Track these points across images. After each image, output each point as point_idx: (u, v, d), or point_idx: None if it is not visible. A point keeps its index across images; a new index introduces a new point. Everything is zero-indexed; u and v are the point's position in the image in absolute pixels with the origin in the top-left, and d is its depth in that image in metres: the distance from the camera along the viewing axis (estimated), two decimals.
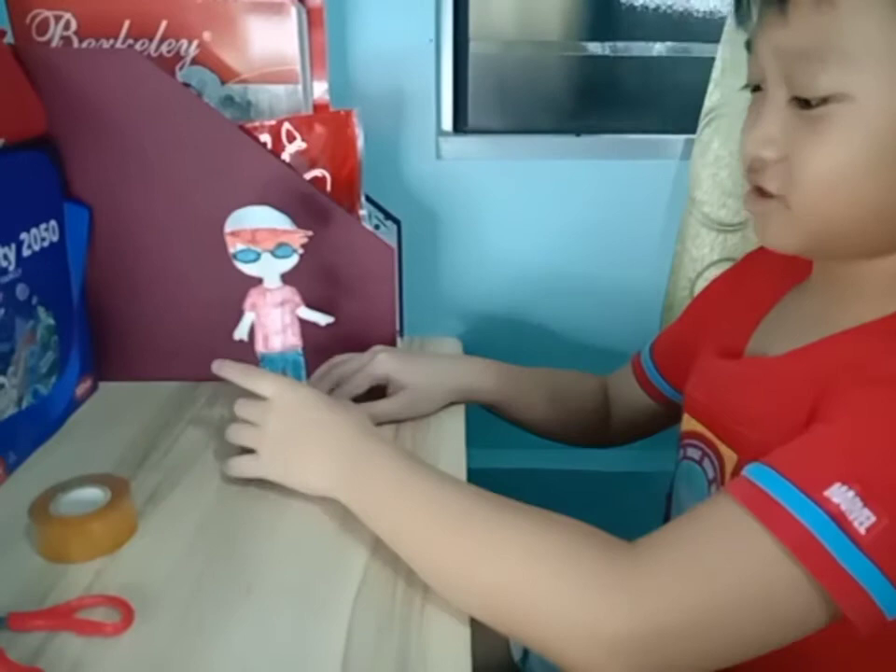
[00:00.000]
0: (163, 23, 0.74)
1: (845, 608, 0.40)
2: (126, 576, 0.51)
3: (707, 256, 0.99)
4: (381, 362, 0.71)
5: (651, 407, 0.78)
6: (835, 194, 0.47)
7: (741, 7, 0.52)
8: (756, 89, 0.51)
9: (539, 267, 1.08)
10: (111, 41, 0.74)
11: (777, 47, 0.48)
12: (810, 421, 0.47)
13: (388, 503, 0.52)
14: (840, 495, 0.40)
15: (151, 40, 0.75)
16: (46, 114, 0.68)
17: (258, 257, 0.61)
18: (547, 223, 1.06)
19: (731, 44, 0.92)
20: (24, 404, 0.64)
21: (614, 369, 0.84)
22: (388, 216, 0.90)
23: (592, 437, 0.82)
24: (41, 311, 0.66)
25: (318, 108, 0.79)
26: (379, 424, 0.68)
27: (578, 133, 1.06)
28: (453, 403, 0.74)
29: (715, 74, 0.94)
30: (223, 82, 0.76)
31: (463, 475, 0.63)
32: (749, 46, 0.52)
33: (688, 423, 0.64)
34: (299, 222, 0.63)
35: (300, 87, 0.76)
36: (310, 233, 0.61)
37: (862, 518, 0.39)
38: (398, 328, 0.80)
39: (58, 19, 0.73)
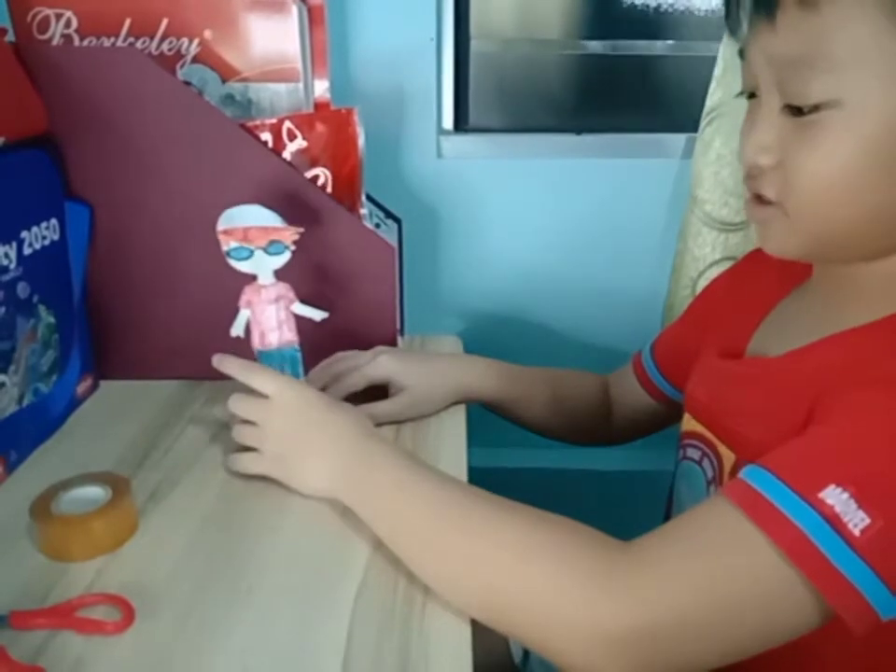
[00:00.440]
0: (164, 21, 0.74)
1: (839, 609, 0.40)
2: (127, 575, 0.51)
3: (708, 255, 0.99)
4: (381, 363, 0.71)
5: (652, 406, 0.78)
6: (831, 199, 0.47)
7: (731, 15, 0.52)
8: (751, 95, 0.52)
9: (539, 265, 1.08)
10: (112, 39, 0.74)
11: (768, 54, 0.48)
12: (808, 421, 0.47)
13: (387, 504, 0.52)
14: (835, 496, 0.40)
15: (152, 38, 0.74)
16: (46, 112, 0.68)
17: (251, 254, 0.62)
18: (548, 222, 1.06)
19: (732, 43, 0.92)
20: (25, 402, 0.64)
21: (615, 367, 0.84)
22: (389, 214, 0.90)
23: (592, 436, 0.82)
24: (42, 309, 0.66)
25: (319, 107, 0.79)
26: (379, 424, 0.68)
27: (579, 132, 1.06)
28: (454, 403, 0.74)
29: (717, 72, 0.94)
30: (224, 80, 0.76)
31: (464, 474, 0.63)
32: (742, 54, 0.52)
33: (688, 423, 0.64)
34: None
35: (301, 85, 0.76)
36: (301, 230, 0.62)
37: (857, 520, 0.39)
38: (398, 326, 0.80)
39: (59, 17, 0.73)
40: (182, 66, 0.75)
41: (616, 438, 0.83)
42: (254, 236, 0.61)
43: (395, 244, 0.78)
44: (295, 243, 0.62)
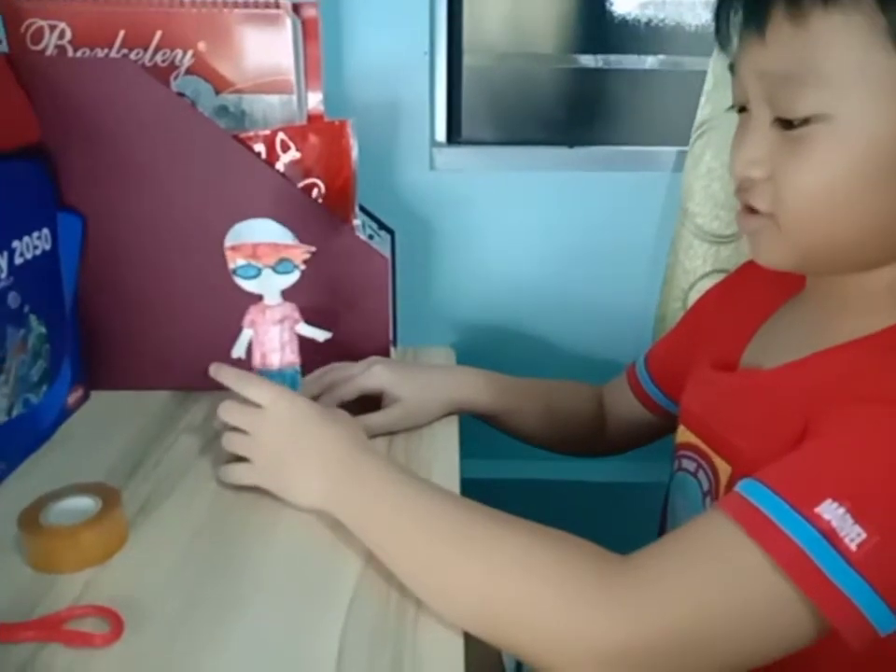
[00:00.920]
0: (158, 33, 0.74)
1: (836, 624, 0.40)
2: (116, 587, 0.50)
3: (699, 267, 1.00)
4: (375, 374, 0.71)
5: (647, 417, 0.78)
6: (821, 212, 0.48)
7: (721, 30, 0.53)
8: (742, 109, 0.52)
9: (532, 277, 1.08)
10: (106, 51, 0.74)
11: (758, 69, 0.48)
12: (803, 435, 0.48)
13: (380, 518, 0.52)
14: (831, 511, 0.40)
15: (146, 50, 0.75)
16: (39, 123, 0.68)
17: (258, 273, 0.60)
18: (540, 234, 1.06)
19: (723, 58, 0.92)
20: (15, 413, 0.64)
21: (606, 378, 0.84)
22: (382, 226, 0.90)
23: (587, 447, 0.82)
24: (33, 319, 0.65)
25: (313, 119, 0.80)
26: (373, 436, 0.68)
27: (571, 145, 1.07)
28: (447, 414, 0.74)
29: (707, 87, 0.95)
30: (217, 92, 0.76)
31: (456, 485, 0.63)
32: (732, 69, 0.52)
33: (683, 434, 0.64)
34: (292, 232, 0.63)
35: (294, 97, 0.76)
36: (313, 249, 0.60)
37: (853, 535, 0.40)
38: (391, 337, 0.80)
39: (53, 28, 0.73)
40: (176, 78, 0.75)
41: (610, 449, 0.83)
42: (263, 253, 0.59)
43: (388, 255, 0.78)
44: (303, 262, 0.60)
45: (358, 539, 0.53)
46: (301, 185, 0.75)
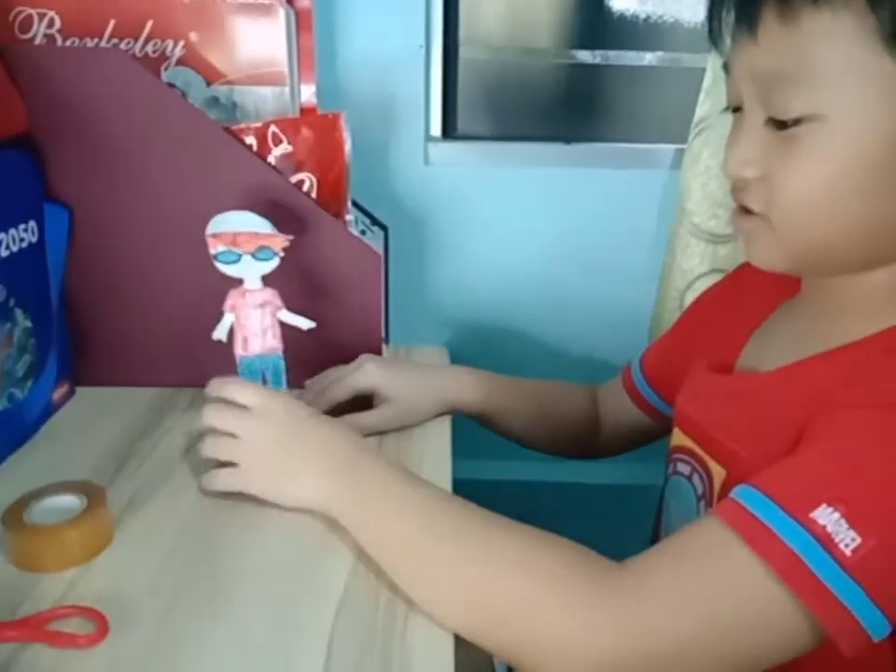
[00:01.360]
0: (149, 23, 0.73)
1: (830, 630, 0.40)
2: (101, 586, 0.49)
3: (696, 267, 0.99)
4: (368, 372, 0.70)
5: (642, 419, 0.77)
6: (814, 212, 0.48)
7: (713, 30, 0.53)
8: (737, 109, 0.52)
9: (526, 275, 1.08)
10: (96, 40, 0.74)
11: (751, 69, 0.48)
12: (799, 439, 0.47)
13: (377, 517, 0.51)
14: (825, 516, 0.40)
15: (137, 40, 0.74)
16: (27, 112, 0.67)
17: (238, 258, 0.61)
18: (535, 231, 1.06)
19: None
20: None
21: (601, 378, 0.83)
22: (375, 221, 0.90)
23: (581, 448, 0.82)
24: (18, 313, 0.64)
25: (305, 111, 0.79)
26: (364, 436, 0.67)
27: (567, 141, 1.06)
28: (439, 414, 0.73)
29: (705, 84, 0.95)
30: (209, 83, 0.75)
31: (448, 486, 0.62)
32: (726, 68, 0.52)
33: (678, 437, 0.63)
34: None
35: (286, 89, 0.76)
36: (291, 237, 0.61)
37: (848, 540, 0.40)
38: (383, 336, 0.80)
39: (42, 16, 0.73)
40: (166, 68, 0.74)
41: (604, 451, 0.82)
42: (243, 241, 0.60)
43: (381, 251, 0.77)
44: (284, 249, 0.61)
45: (348, 538, 0.52)
46: (293, 179, 0.74)
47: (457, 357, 0.89)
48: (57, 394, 0.72)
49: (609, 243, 1.06)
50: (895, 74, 0.44)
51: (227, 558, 0.53)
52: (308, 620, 0.47)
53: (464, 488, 0.59)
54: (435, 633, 0.46)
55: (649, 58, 1.09)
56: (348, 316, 0.75)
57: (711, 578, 0.42)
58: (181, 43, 0.74)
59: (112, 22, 0.73)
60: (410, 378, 0.72)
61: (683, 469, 0.61)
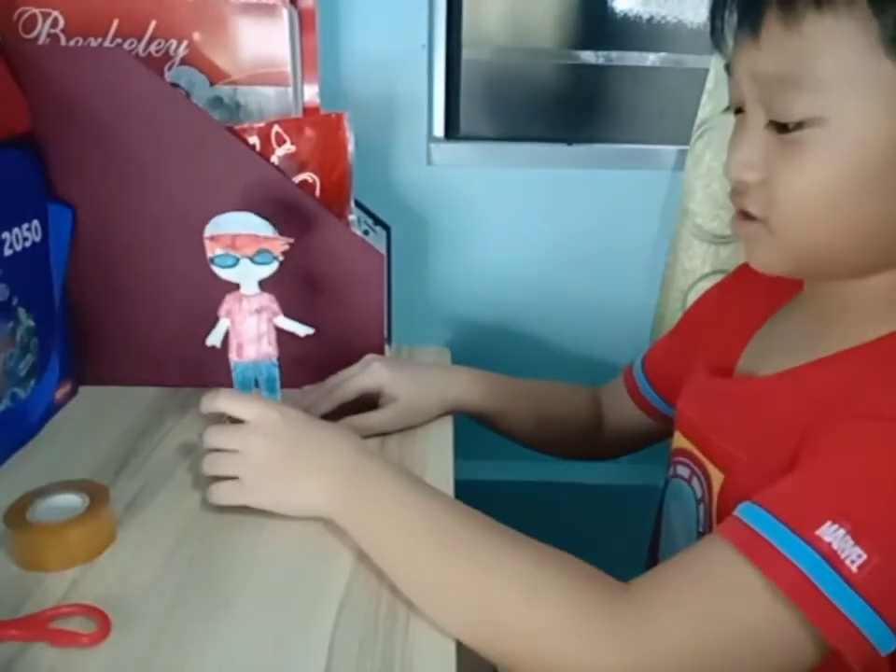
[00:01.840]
0: (153, 23, 0.73)
1: (838, 647, 0.40)
2: (103, 585, 0.49)
3: (699, 268, 0.99)
4: (374, 372, 0.69)
5: (644, 421, 0.77)
6: (815, 216, 0.48)
7: (716, 32, 0.52)
8: (738, 111, 0.52)
9: (529, 276, 1.07)
10: (99, 40, 0.73)
11: (753, 72, 0.48)
12: (800, 448, 0.47)
13: (383, 523, 0.51)
14: (831, 534, 0.40)
15: (140, 40, 0.74)
16: (30, 112, 0.67)
17: (236, 262, 0.60)
18: (538, 232, 1.06)
19: None
20: (2, 407, 0.63)
21: (604, 379, 0.83)
22: (378, 221, 0.90)
23: (581, 450, 0.81)
24: (21, 312, 0.64)
25: (308, 111, 0.79)
26: (366, 436, 0.67)
27: (570, 142, 1.06)
28: (442, 414, 0.73)
29: (708, 85, 0.94)
30: (212, 83, 0.75)
31: (450, 487, 0.62)
32: (728, 69, 0.52)
33: (678, 440, 0.63)
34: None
35: (290, 89, 0.76)
36: (291, 240, 0.60)
37: (854, 556, 0.40)
38: (385, 335, 0.80)
39: (45, 16, 0.72)
40: (170, 68, 0.74)
41: (605, 453, 0.82)
42: (242, 244, 0.59)
43: (384, 251, 0.77)
44: (283, 253, 0.60)
45: (349, 540, 0.52)
46: (295, 179, 0.74)
47: (459, 358, 0.89)
48: (59, 393, 0.72)
49: (611, 243, 1.06)
50: None
51: (229, 558, 0.53)
52: (309, 621, 0.47)
53: (466, 489, 0.59)
54: (437, 635, 0.46)
55: (652, 59, 1.08)
56: (350, 316, 0.75)
57: (717, 598, 0.42)
58: (185, 43, 0.74)
59: (116, 22, 0.73)
60: (415, 378, 0.71)
61: (683, 472, 0.61)
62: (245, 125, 0.72)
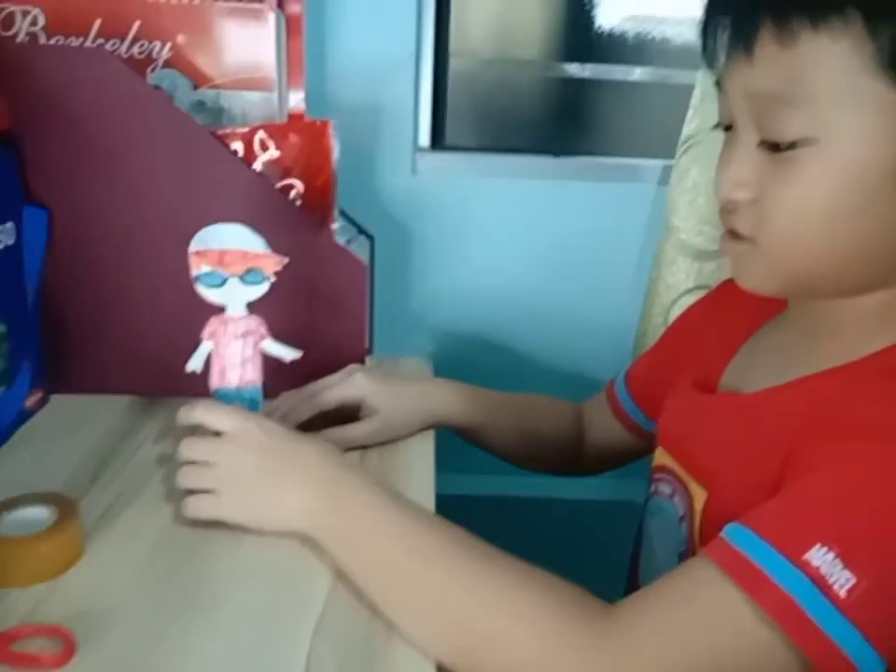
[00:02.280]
0: (136, 24, 0.72)
1: (824, 671, 0.39)
2: (70, 603, 0.48)
3: (682, 283, 0.99)
4: (357, 382, 0.68)
5: (626, 437, 0.76)
6: (806, 236, 0.47)
7: (707, 48, 0.52)
8: (728, 128, 0.51)
9: (512, 287, 1.07)
10: (81, 39, 0.72)
11: (746, 89, 0.48)
12: (785, 465, 0.47)
13: (362, 538, 0.50)
14: (819, 557, 0.40)
15: (123, 40, 0.73)
16: (8, 111, 0.66)
17: (223, 282, 0.55)
18: (522, 243, 1.05)
19: (710, 72, 0.92)
20: None
21: (586, 392, 0.83)
22: (362, 230, 0.89)
23: (564, 465, 0.81)
24: None
25: (293, 118, 0.78)
26: (347, 449, 0.66)
27: (556, 154, 1.06)
28: (424, 428, 0.72)
29: (694, 101, 0.95)
30: (195, 87, 0.74)
31: (432, 501, 0.61)
32: (718, 85, 0.52)
33: (660, 456, 0.63)
34: (269, 233, 0.60)
35: (274, 95, 0.75)
36: (286, 260, 0.56)
37: (842, 580, 0.39)
38: (367, 346, 0.78)
39: (25, 14, 0.71)
40: (153, 70, 0.73)
41: (587, 468, 0.81)
42: (230, 261, 0.55)
43: (367, 261, 0.76)
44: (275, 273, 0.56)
45: (327, 558, 0.51)
46: (278, 185, 0.73)
47: (441, 369, 0.88)
48: (30, 401, 0.70)
49: (595, 256, 1.06)
50: (891, 100, 0.44)
51: (202, 574, 0.51)
52: (286, 638, 0.46)
53: (447, 503, 0.58)
54: (417, 658, 0.45)
55: (638, 73, 1.09)
56: (333, 327, 0.74)
57: (703, 621, 0.42)
58: (168, 45, 0.73)
59: (98, 22, 0.72)
60: (397, 391, 0.70)
61: (665, 489, 0.60)
62: (229, 130, 0.71)
